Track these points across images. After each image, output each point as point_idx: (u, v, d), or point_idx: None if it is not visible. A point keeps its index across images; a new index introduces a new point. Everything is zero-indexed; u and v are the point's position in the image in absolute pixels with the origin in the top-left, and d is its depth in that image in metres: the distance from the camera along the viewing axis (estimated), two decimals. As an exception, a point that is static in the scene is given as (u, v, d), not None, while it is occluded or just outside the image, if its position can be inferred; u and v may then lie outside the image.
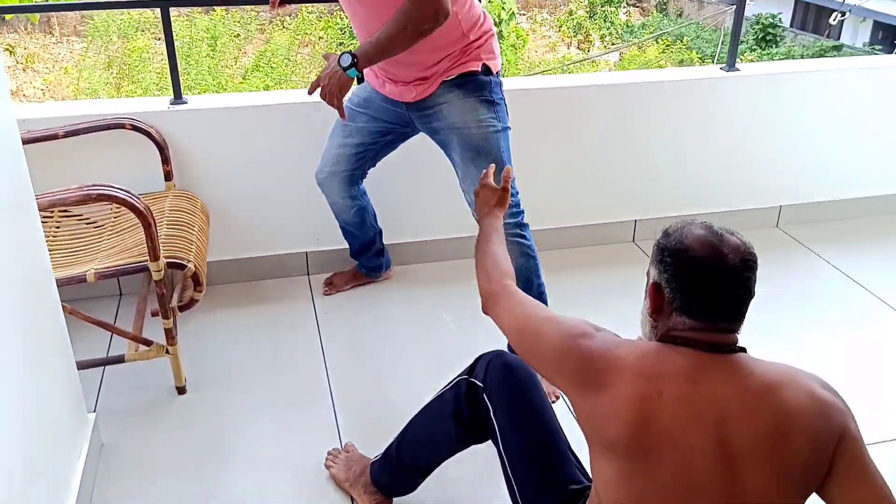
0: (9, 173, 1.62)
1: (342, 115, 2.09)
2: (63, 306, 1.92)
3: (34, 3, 3.29)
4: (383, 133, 2.38)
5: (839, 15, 8.37)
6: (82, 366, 2.05)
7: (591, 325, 1.34)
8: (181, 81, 2.62)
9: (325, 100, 2.05)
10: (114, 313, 2.63)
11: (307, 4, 9.06)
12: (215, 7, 12.17)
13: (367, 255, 2.74)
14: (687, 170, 3.06)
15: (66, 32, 16.91)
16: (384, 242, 2.76)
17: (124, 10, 11.92)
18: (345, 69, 1.99)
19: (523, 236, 2.21)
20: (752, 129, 3.05)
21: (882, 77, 3.19)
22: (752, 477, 1.20)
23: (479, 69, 2.13)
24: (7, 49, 12.83)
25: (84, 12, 13.31)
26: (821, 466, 1.24)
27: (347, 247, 2.73)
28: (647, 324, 1.35)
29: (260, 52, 12.59)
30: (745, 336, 1.27)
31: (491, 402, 1.60)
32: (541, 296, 2.24)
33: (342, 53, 2.00)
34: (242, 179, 2.70)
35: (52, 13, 13.50)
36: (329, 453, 2.02)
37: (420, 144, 2.38)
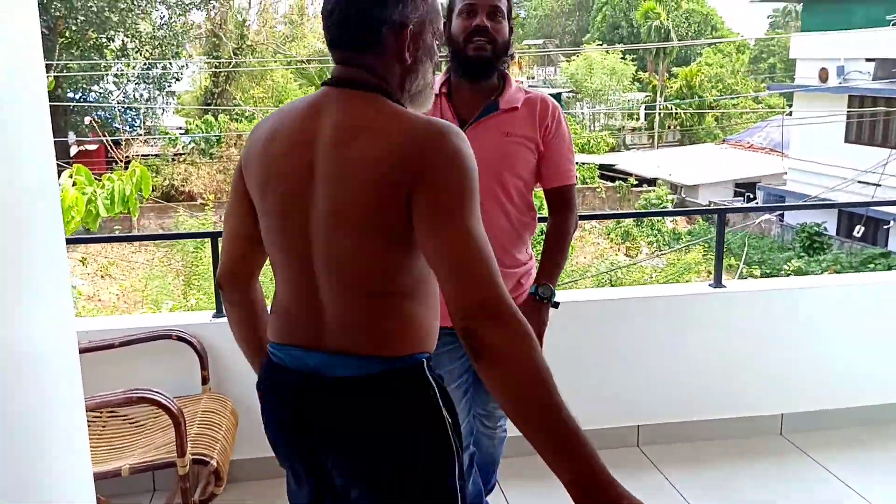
0: (65, 380, 1.95)
1: None
2: (98, 498, 2.17)
3: (97, 236, 3.91)
4: None
5: (862, 228, 8.71)
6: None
7: None
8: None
9: None
10: (145, 508, 2.86)
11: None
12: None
13: None
14: (684, 378, 3.24)
15: (144, 242, 18.35)
16: None
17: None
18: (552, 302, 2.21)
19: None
20: (744, 341, 3.26)
21: (871, 292, 3.42)
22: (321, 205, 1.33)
23: None
24: (80, 260, 13.97)
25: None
26: (385, 211, 1.29)
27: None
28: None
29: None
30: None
31: None
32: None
33: (539, 286, 2.17)
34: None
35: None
36: None
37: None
